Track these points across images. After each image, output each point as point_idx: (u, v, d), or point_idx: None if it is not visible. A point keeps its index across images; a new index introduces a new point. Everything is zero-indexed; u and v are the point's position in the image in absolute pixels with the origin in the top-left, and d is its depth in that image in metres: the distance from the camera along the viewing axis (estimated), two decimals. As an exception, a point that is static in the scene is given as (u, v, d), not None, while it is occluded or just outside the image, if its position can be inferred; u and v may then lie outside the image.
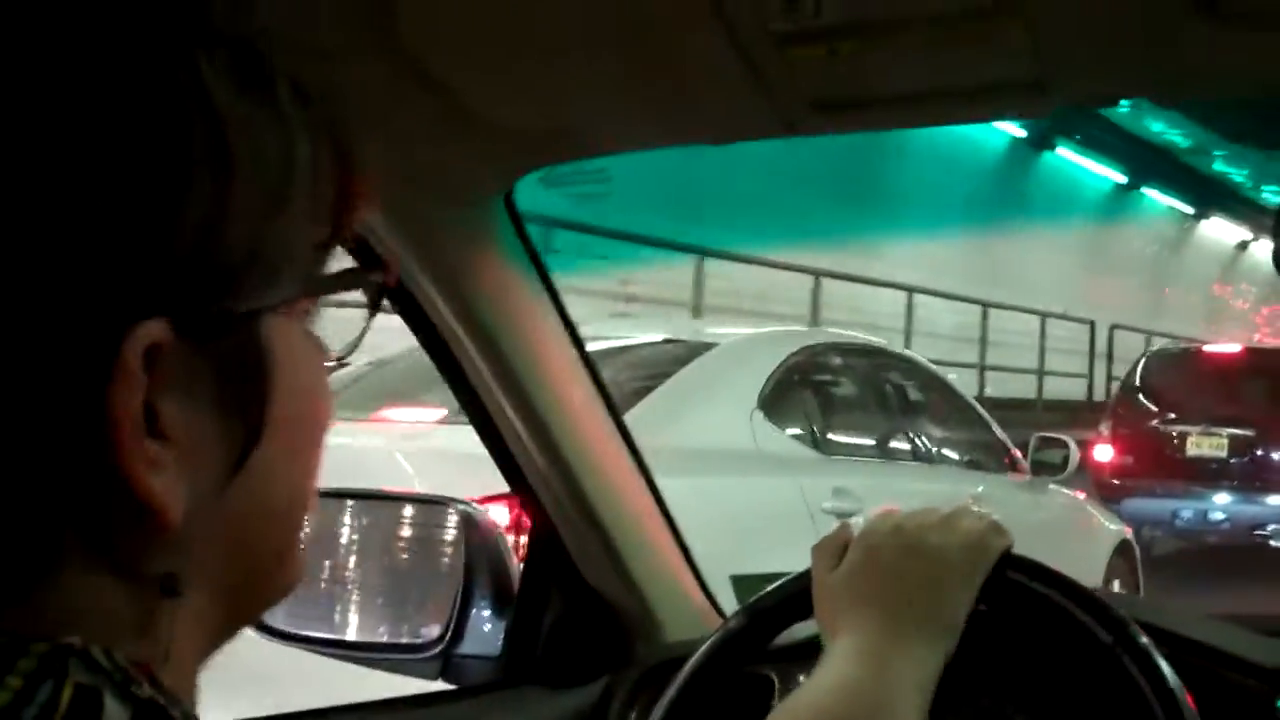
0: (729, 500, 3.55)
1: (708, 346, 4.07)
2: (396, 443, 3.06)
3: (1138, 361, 9.88)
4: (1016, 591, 0.93)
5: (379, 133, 0.98)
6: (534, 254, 1.14)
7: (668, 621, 1.23)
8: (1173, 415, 8.97)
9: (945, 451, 4.97)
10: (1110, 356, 18.16)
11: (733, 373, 4.05)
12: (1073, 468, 5.13)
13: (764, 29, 0.87)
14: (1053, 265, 18.07)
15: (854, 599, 0.87)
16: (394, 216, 1.06)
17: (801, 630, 0.99)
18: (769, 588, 1.00)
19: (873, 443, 4.65)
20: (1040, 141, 17.63)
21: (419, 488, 2.57)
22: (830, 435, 4.33)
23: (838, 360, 4.68)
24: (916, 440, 4.83)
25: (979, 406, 5.30)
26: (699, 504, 3.28)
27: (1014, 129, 16.30)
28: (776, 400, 4.04)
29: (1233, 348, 9.94)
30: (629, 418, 3.39)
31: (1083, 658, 0.95)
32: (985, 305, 15.10)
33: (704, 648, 1.00)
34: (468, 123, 1.01)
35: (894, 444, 4.76)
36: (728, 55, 0.90)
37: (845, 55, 0.88)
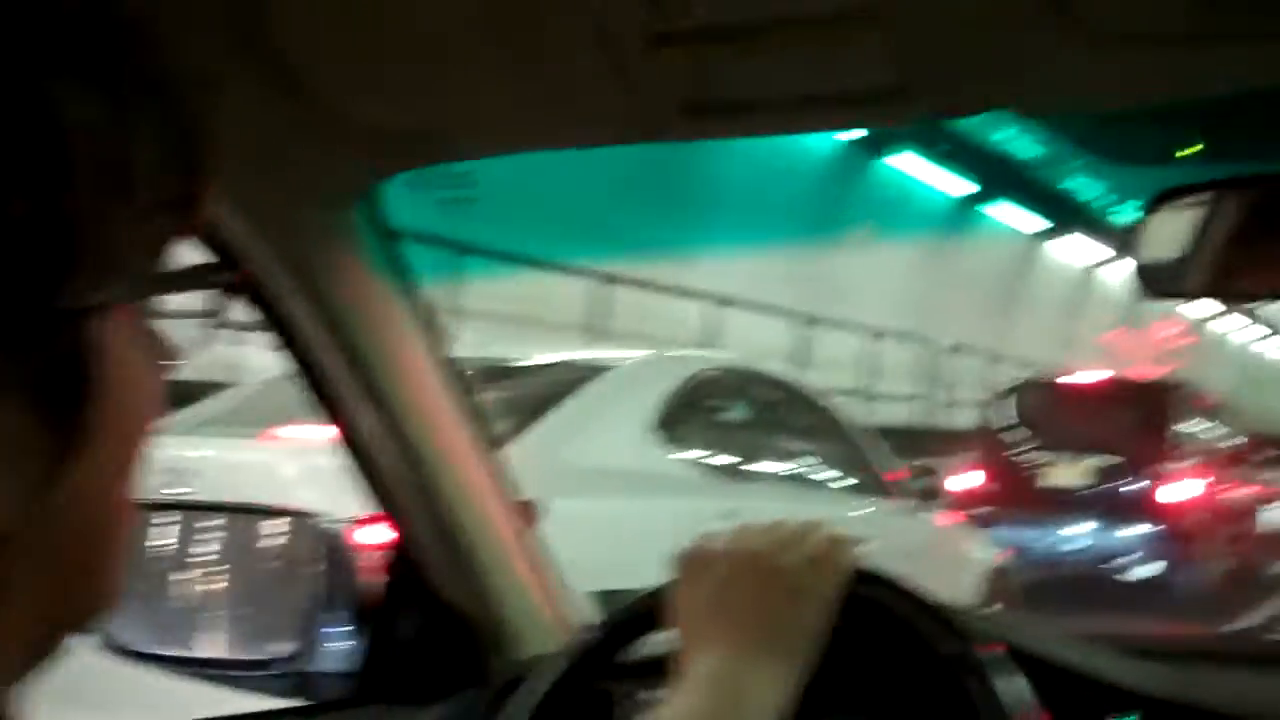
0: (622, 520, 3.51)
1: (605, 369, 4.03)
2: (283, 460, 2.94)
3: (1003, 389, 9.92)
4: (865, 606, 0.91)
5: (240, 131, 0.91)
6: (397, 259, 1.07)
7: (524, 636, 1.16)
8: (1037, 443, 8.95)
9: (827, 476, 4.96)
10: (949, 380, 16.94)
11: (630, 395, 4.02)
12: (945, 495, 5.16)
13: (633, 30, 0.83)
14: (887, 281, 16.19)
15: (709, 619, 0.84)
16: (253, 217, 0.98)
17: (655, 645, 0.94)
18: (623, 602, 0.95)
19: (760, 467, 4.63)
20: (875, 148, 15.51)
21: (305, 505, 2.46)
22: (721, 458, 4.31)
23: (731, 384, 4.67)
24: (800, 464, 4.82)
25: (858, 432, 5.30)
26: (593, 523, 3.25)
27: (847, 133, 14.30)
28: (671, 423, 4.01)
29: (1098, 376, 10.06)
30: (526, 437, 3.33)
31: (927, 672, 0.93)
32: (804, 319, 13.48)
33: (550, 663, 0.95)
34: (331, 123, 0.96)
35: (779, 467, 4.74)
36: (597, 56, 0.86)
37: (711, 59, 0.84)
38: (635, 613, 0.95)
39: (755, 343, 11.41)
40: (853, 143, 15.00)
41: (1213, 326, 28.67)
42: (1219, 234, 1.10)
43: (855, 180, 15.79)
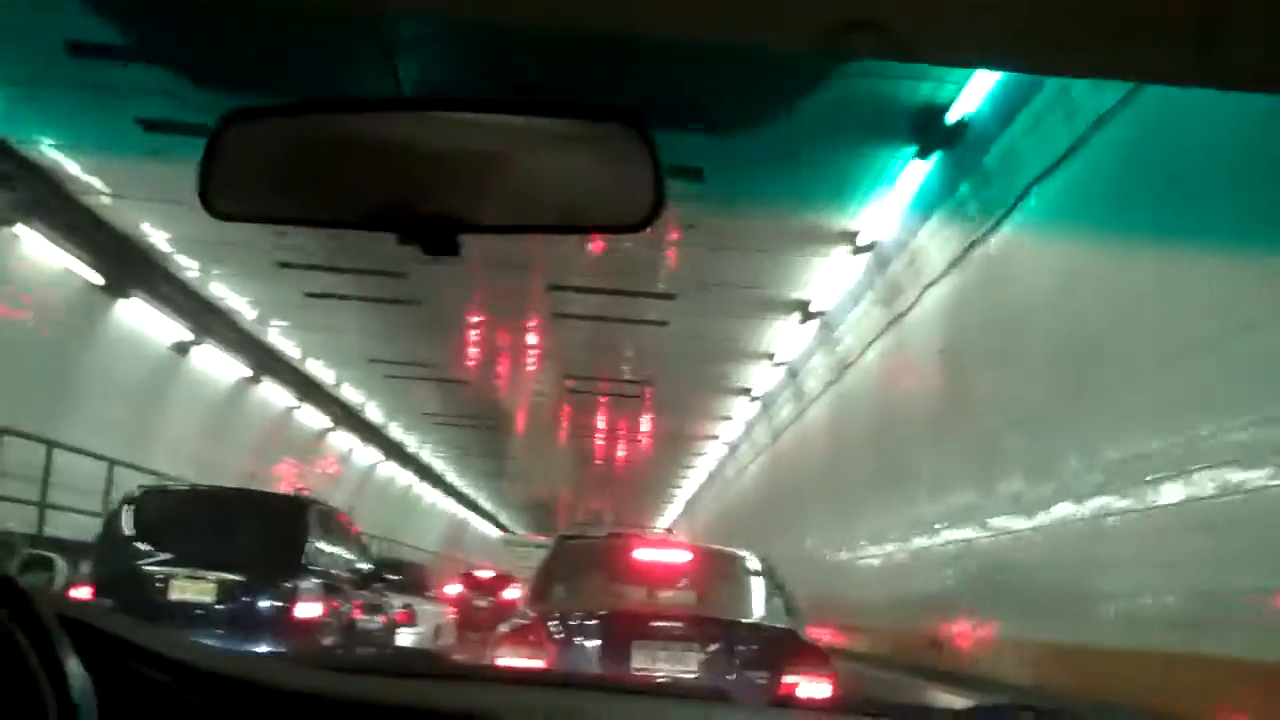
0: None
1: None
2: None
3: (125, 498, 9.41)
4: None
5: None
6: None
7: None
8: (158, 557, 8.60)
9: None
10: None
11: None
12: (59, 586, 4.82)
13: None
14: None
15: None
16: None
17: None
18: None
19: None
20: None
21: None
22: None
23: None
24: None
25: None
26: None
27: None
28: None
29: (225, 489, 10.09)
30: None
31: None
32: None
33: None
34: None
35: None
36: None
37: None
38: None
39: None
40: None
41: (361, 460, 30.23)
42: (285, 157, 1.13)
43: None
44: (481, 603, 22.67)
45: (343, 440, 27.82)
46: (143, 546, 8.73)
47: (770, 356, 17.90)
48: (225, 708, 1.21)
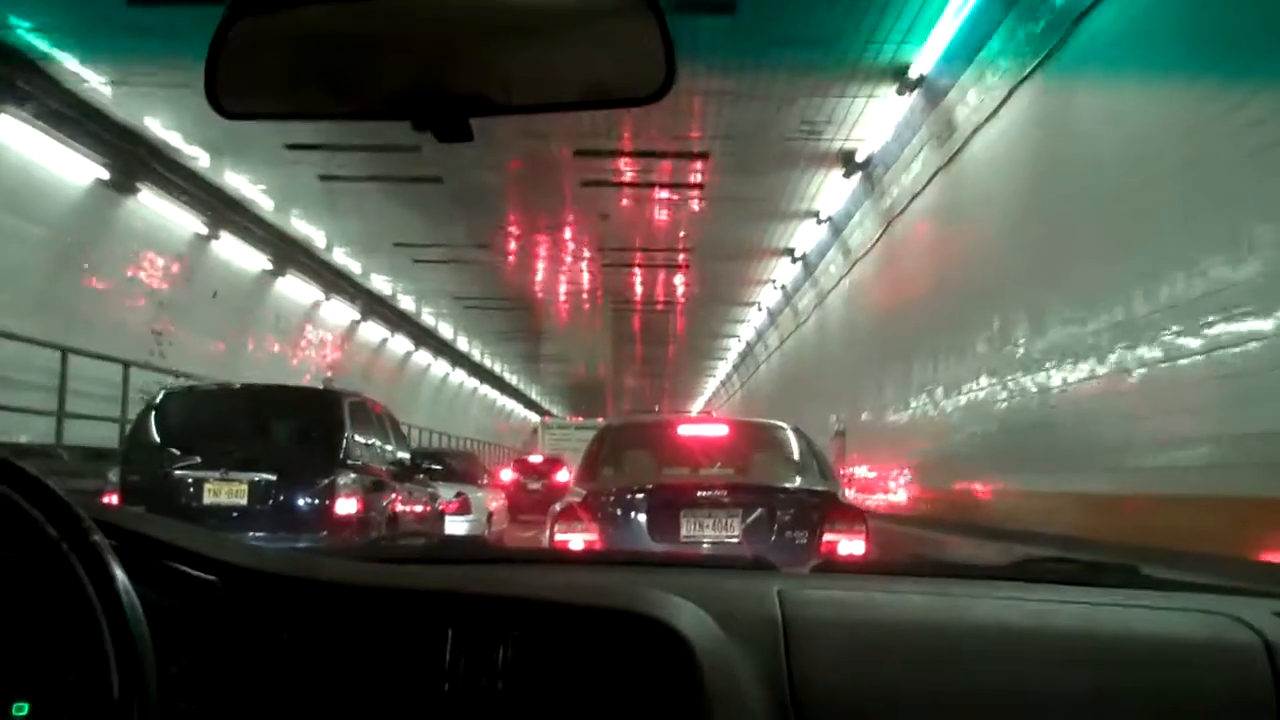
0: None
1: None
2: None
3: (150, 402, 9.59)
4: None
5: None
6: None
7: None
8: (189, 461, 8.81)
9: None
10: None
11: None
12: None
13: None
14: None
15: None
16: None
17: None
18: None
19: None
20: None
21: None
22: None
23: None
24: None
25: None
26: None
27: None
28: None
29: (241, 386, 10.25)
30: None
31: (35, 555, 0.95)
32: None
33: None
34: None
35: None
36: None
37: None
38: None
39: None
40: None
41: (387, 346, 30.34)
42: (290, 49, 1.18)
43: None
44: (535, 485, 23.48)
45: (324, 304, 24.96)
46: (172, 450, 8.93)
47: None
48: (272, 603, 1.28)
